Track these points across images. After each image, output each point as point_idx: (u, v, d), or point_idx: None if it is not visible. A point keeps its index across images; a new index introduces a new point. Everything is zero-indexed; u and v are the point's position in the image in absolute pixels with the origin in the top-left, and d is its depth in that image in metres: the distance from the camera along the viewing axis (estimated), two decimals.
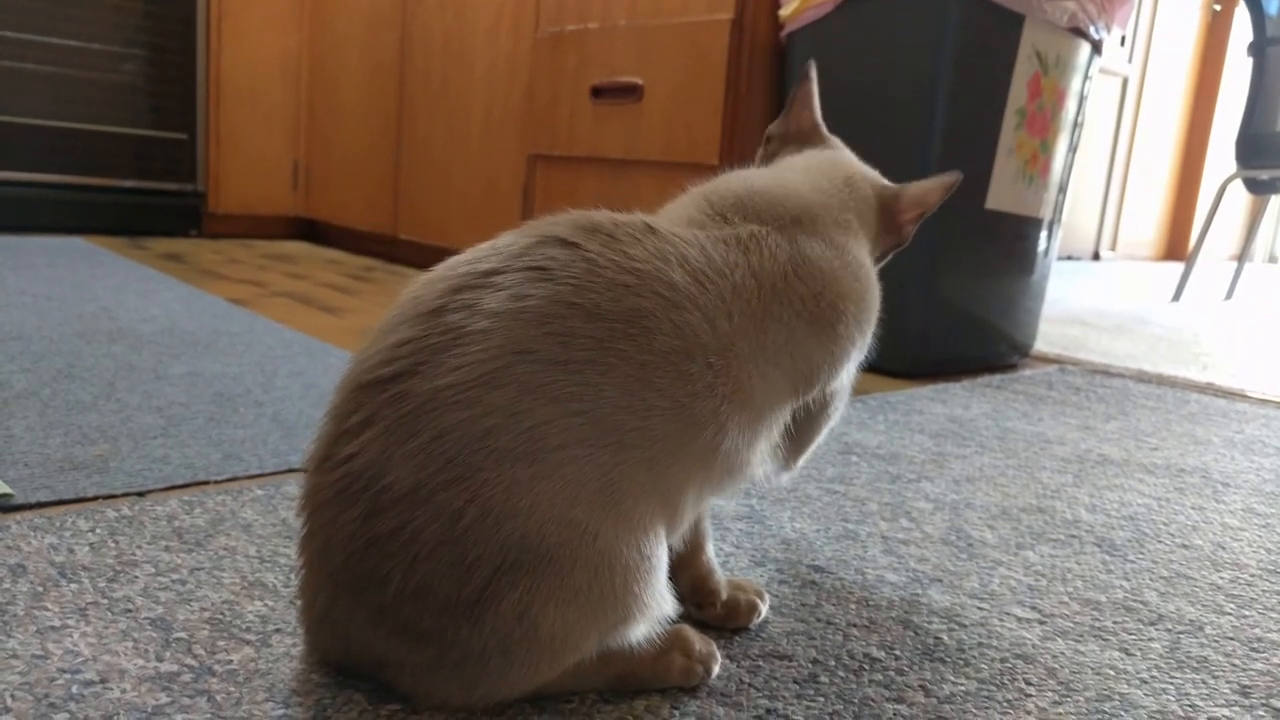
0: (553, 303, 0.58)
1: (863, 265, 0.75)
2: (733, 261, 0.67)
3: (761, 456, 0.70)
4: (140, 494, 0.96)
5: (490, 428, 0.55)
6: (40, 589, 0.74)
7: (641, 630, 0.63)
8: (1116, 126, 4.98)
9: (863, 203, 0.79)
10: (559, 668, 0.61)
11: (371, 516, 0.56)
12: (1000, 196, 1.85)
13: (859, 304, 0.73)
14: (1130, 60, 4.90)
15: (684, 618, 0.77)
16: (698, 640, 0.69)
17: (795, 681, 0.70)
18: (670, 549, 0.66)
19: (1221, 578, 0.96)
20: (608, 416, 0.57)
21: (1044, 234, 2.00)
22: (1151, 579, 0.94)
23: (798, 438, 0.75)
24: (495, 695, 0.61)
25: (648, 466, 0.59)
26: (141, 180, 3.29)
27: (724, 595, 0.77)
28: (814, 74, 0.87)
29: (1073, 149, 2.02)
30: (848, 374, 0.76)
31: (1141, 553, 1.01)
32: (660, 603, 0.63)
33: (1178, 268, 3.81)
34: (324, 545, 0.60)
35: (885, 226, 0.81)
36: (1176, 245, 5.63)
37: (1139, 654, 0.78)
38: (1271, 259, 6.34)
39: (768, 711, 0.66)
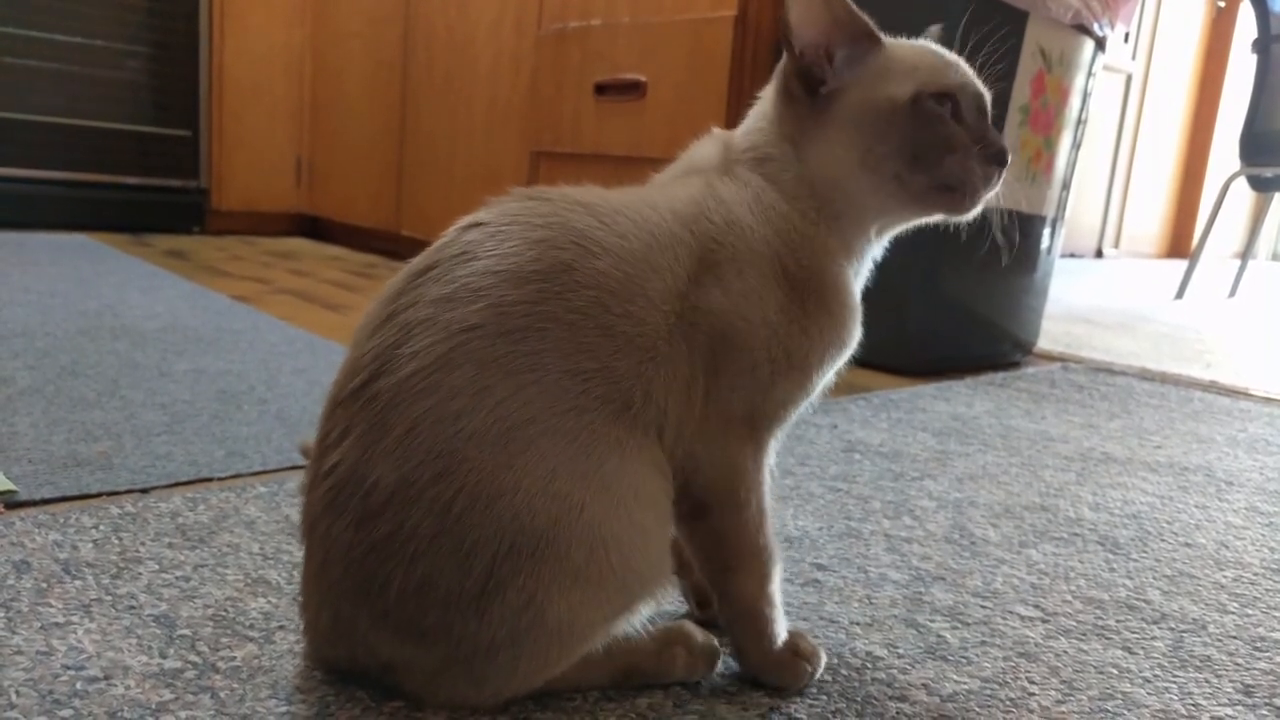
0: (480, 275, 0.59)
1: (758, 203, 0.67)
2: (639, 198, 0.67)
3: (696, 433, 0.64)
4: (144, 491, 0.97)
5: (459, 410, 0.56)
6: (44, 585, 0.75)
7: (646, 609, 0.63)
8: (1120, 124, 4.97)
9: (755, 127, 0.71)
10: (569, 658, 0.61)
11: (364, 522, 0.57)
12: (1004, 193, 1.85)
13: (749, 247, 0.65)
14: (1134, 57, 4.89)
15: (686, 615, 0.77)
16: (700, 636, 0.69)
17: None
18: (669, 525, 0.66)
19: (1225, 576, 0.96)
20: (556, 383, 0.58)
21: (1047, 231, 2.00)
22: (1154, 578, 0.94)
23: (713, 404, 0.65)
24: (505, 691, 0.61)
25: (613, 423, 0.59)
26: (145, 177, 3.29)
27: None
28: None
29: (1076, 146, 2.02)
30: (765, 332, 0.64)
31: (1145, 551, 1.01)
32: (658, 571, 0.63)
33: (1181, 265, 3.81)
34: (323, 560, 0.60)
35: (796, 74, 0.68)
36: (1180, 243, 5.62)
37: (1142, 653, 0.78)
38: (1275, 256, 6.33)
39: (770, 710, 0.66)
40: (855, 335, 0.70)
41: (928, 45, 0.72)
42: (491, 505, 0.56)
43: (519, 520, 0.56)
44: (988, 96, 0.71)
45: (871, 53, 0.68)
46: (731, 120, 2.04)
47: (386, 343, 0.59)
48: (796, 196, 0.68)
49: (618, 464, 0.59)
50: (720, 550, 0.67)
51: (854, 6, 0.67)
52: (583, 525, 0.57)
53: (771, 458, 0.69)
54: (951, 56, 0.71)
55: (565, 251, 0.61)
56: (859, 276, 0.72)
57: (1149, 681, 0.74)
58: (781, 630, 0.68)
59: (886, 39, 0.70)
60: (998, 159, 0.68)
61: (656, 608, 0.65)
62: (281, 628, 0.71)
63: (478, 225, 0.63)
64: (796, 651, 0.69)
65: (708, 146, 0.73)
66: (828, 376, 0.71)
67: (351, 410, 0.59)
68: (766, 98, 0.72)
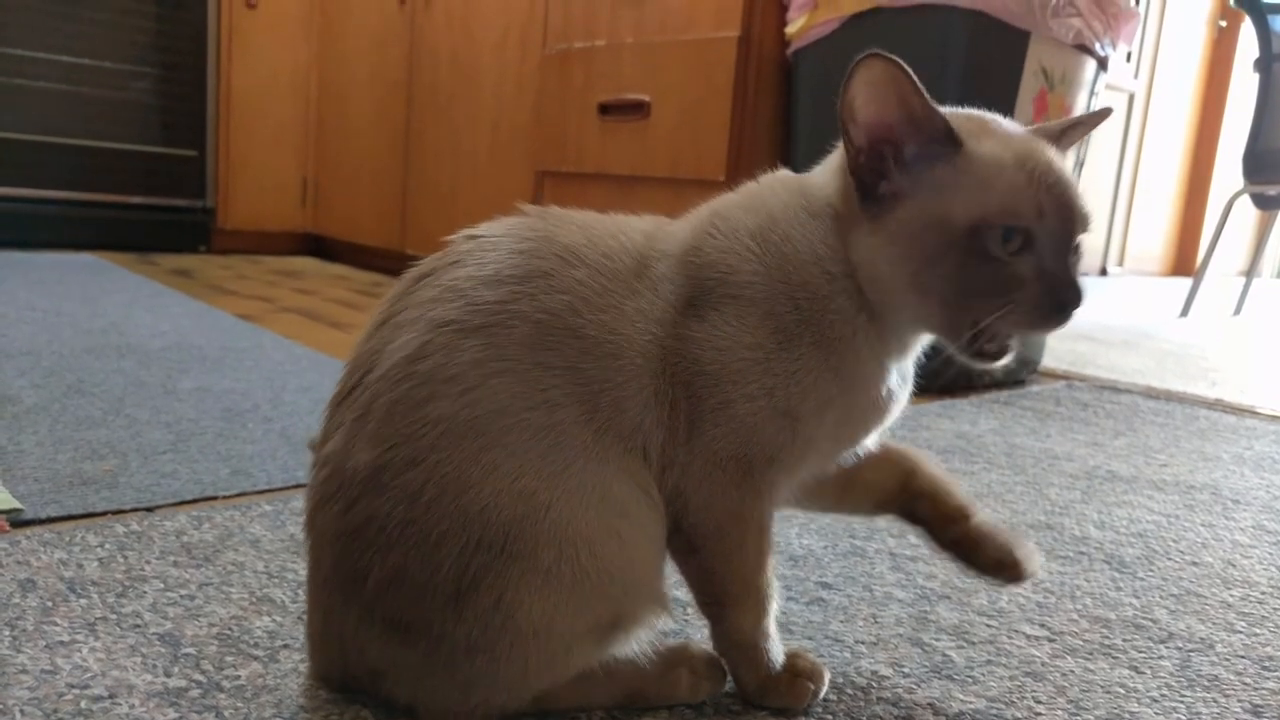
0: (464, 279, 0.62)
1: (770, 248, 0.64)
2: (640, 227, 0.67)
3: (683, 470, 0.63)
4: (149, 509, 0.97)
5: (428, 395, 0.58)
6: (49, 604, 0.75)
7: (644, 632, 0.63)
8: (1123, 142, 4.98)
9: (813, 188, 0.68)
10: (552, 666, 0.61)
11: (347, 509, 0.59)
12: None
13: (736, 282, 0.63)
14: (1136, 76, 4.91)
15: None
16: (704, 656, 0.69)
17: None
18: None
19: (1232, 595, 0.95)
20: (523, 375, 0.59)
21: None
22: (1161, 596, 0.94)
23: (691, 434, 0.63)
24: (493, 700, 0.61)
25: (581, 426, 0.60)
26: (151, 197, 3.31)
27: None
28: None
29: (1079, 164, 2.02)
30: (735, 371, 0.62)
31: (1151, 570, 1.00)
32: (642, 579, 0.62)
33: (1185, 283, 3.80)
34: (317, 555, 0.62)
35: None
36: (1184, 260, 5.61)
37: (1149, 672, 0.78)
38: None
39: None
40: (875, 403, 0.66)
41: (1026, 149, 0.62)
42: (459, 497, 0.57)
43: (486, 514, 0.57)
44: (1085, 220, 0.62)
45: (946, 156, 0.61)
46: (735, 140, 2.05)
47: (379, 343, 0.62)
48: (821, 260, 0.64)
49: (582, 467, 0.59)
50: (711, 586, 0.66)
51: (930, 102, 0.60)
52: (550, 525, 0.58)
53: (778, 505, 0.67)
54: (1047, 170, 0.61)
55: (545, 261, 0.63)
56: (901, 352, 0.68)
57: (1156, 701, 0.73)
58: (778, 654, 0.68)
59: (976, 131, 0.62)
60: (1060, 307, 0.60)
61: (653, 631, 0.64)
62: (286, 646, 0.71)
63: (475, 237, 0.66)
64: (796, 671, 0.68)
65: (765, 178, 0.71)
66: (854, 441, 0.68)
67: (345, 406, 0.62)
68: (837, 158, 0.67)
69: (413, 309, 0.62)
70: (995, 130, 0.64)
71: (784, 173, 0.71)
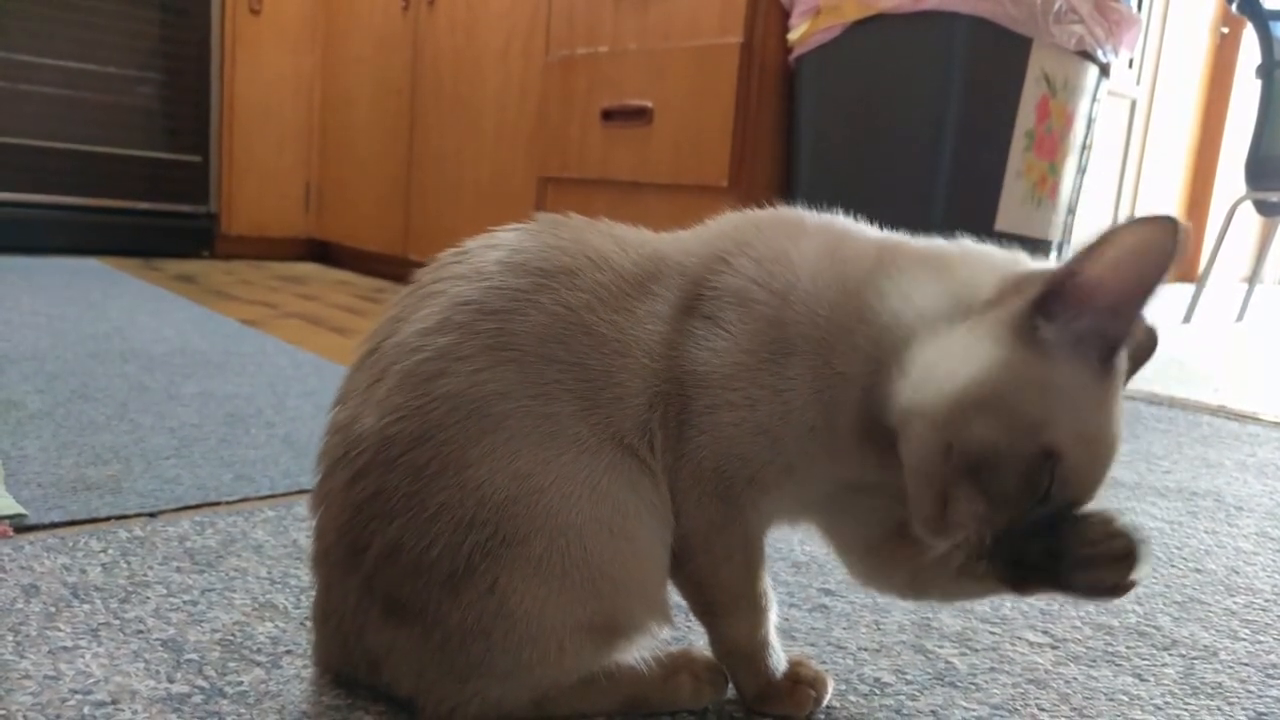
0: (493, 263, 0.64)
1: (795, 287, 0.62)
2: (674, 242, 0.68)
3: (673, 476, 0.62)
4: (152, 514, 0.97)
5: (439, 370, 0.60)
6: (53, 609, 0.75)
7: (638, 634, 0.63)
8: (1125, 149, 4.98)
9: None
10: (545, 661, 0.60)
11: (356, 481, 0.60)
12: (1009, 218, 1.85)
13: (754, 308, 0.62)
14: (1138, 83, 4.91)
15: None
16: (706, 661, 0.69)
17: None
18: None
19: (1235, 602, 0.95)
20: (532, 365, 0.61)
21: (1053, 256, 2.01)
22: (1165, 604, 0.94)
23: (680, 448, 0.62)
24: (490, 693, 0.61)
25: (580, 419, 0.60)
26: (156, 202, 3.32)
27: None
28: None
29: (1081, 171, 2.02)
30: (729, 385, 0.61)
31: (1154, 577, 1.00)
32: (635, 579, 0.62)
33: (1188, 289, 3.80)
34: (323, 527, 0.63)
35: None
36: (1187, 267, 5.61)
37: (1152, 680, 0.78)
38: None
39: None
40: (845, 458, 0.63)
41: None
42: (459, 474, 0.58)
43: (482, 491, 0.58)
44: None
45: (1108, 363, 0.63)
46: (737, 146, 2.05)
47: (405, 310, 0.64)
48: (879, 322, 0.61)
49: (574, 458, 0.60)
50: (702, 596, 0.66)
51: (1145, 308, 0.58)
52: (541, 510, 0.59)
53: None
54: None
55: (574, 260, 0.64)
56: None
57: (1160, 709, 0.73)
58: (778, 662, 0.68)
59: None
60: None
61: (654, 639, 0.64)
62: (289, 652, 0.71)
63: (517, 229, 0.68)
64: (797, 679, 0.68)
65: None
66: (829, 480, 0.65)
67: (361, 371, 0.64)
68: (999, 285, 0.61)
69: (441, 284, 0.64)
70: None
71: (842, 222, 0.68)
